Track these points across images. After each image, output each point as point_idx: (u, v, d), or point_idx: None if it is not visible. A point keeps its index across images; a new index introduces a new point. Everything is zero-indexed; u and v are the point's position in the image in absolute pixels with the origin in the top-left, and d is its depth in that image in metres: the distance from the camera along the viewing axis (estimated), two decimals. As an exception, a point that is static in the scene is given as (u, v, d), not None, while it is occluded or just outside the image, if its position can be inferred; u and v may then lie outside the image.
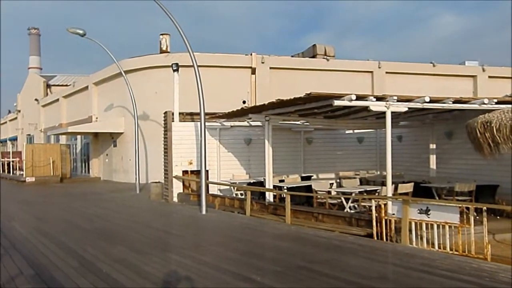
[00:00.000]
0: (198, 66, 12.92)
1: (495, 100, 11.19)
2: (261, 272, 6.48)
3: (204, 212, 12.61)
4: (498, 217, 11.41)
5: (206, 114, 13.37)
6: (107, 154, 30.18)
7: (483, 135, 8.67)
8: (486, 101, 11.09)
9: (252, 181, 15.13)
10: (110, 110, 28.43)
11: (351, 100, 9.83)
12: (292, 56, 28.54)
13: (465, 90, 26.99)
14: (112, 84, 28.02)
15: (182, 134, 16.09)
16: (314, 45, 28.10)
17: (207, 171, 14.47)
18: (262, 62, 25.36)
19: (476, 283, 5.82)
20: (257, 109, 13.09)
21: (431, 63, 28.41)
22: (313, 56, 27.51)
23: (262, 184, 14.23)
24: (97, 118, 30.74)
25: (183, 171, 16.18)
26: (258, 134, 16.35)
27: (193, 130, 15.80)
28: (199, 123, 13.37)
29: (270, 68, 25.53)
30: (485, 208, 8.27)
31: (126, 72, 22.18)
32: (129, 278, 6.31)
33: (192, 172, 16.08)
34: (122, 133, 27.58)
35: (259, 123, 14.51)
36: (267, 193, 13.30)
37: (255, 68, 25.26)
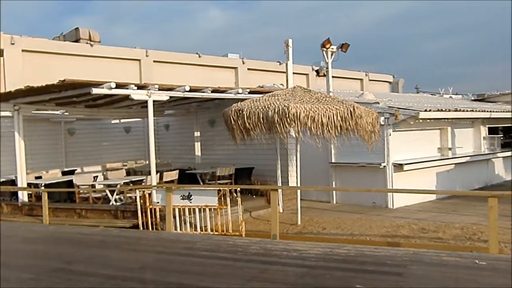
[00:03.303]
0: None
1: (248, 90, 12.33)
2: (8, 284, 5.65)
3: None
4: (254, 196, 12.72)
5: None
6: None
7: (236, 122, 9.40)
8: (240, 90, 12.11)
9: (1, 180, 13.17)
10: None
11: (110, 88, 9.37)
12: (53, 40, 25.86)
13: (228, 80, 29.00)
14: None
15: None
16: (77, 28, 26.07)
17: None
18: (12, 43, 22.18)
19: (230, 258, 6.35)
20: (3, 97, 11.39)
21: (197, 53, 29.65)
22: (76, 41, 25.53)
23: (13, 182, 12.52)
24: None
25: None
26: (9, 126, 14.25)
27: None
28: None
29: (23, 50, 22.56)
30: (239, 189, 9.07)
31: None
32: None
33: None
34: None
35: (8, 114, 12.68)
36: (20, 193, 11.78)
37: (3, 50, 21.97)
